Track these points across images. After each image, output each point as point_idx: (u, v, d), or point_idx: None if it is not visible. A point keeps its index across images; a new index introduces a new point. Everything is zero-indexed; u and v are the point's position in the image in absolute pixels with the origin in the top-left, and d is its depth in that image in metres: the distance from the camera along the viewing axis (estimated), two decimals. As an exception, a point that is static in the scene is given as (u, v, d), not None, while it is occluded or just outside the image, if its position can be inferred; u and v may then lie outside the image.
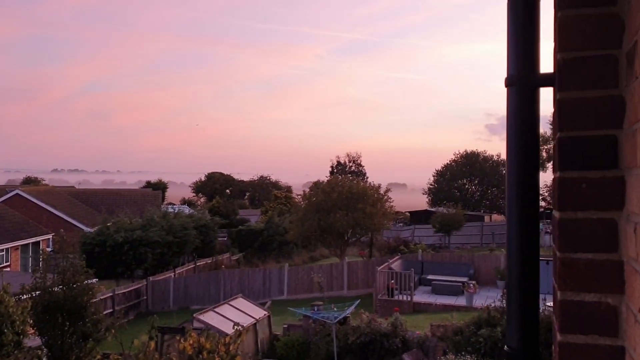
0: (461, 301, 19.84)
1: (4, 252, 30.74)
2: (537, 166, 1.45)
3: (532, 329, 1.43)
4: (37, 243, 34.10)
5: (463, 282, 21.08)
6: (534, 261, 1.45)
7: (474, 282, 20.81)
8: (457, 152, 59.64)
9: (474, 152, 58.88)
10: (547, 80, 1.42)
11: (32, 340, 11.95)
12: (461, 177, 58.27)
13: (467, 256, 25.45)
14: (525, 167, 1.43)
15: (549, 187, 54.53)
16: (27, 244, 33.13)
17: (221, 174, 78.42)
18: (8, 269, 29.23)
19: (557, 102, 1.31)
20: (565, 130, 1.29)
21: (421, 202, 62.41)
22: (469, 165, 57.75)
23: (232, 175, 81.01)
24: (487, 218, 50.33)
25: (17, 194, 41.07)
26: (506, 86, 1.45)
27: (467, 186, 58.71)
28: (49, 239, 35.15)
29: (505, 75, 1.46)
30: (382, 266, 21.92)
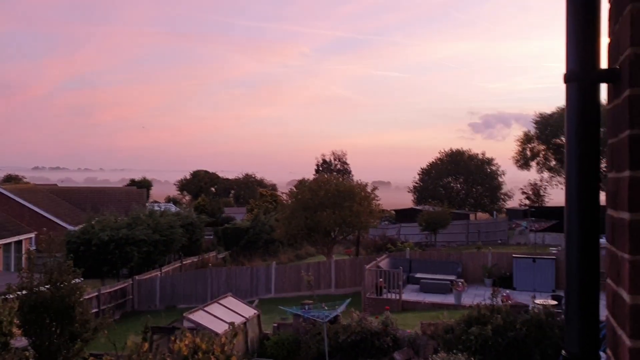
0: (449, 299, 19.91)
1: (-15, 251, 30.21)
2: (598, 162, 1.40)
3: (593, 334, 1.38)
4: (20, 242, 33.58)
5: (451, 280, 21.15)
6: (595, 264, 1.40)
7: (462, 280, 20.88)
8: (442, 151, 59.97)
9: (459, 150, 59.22)
10: (609, 75, 1.37)
11: (19, 341, 11.73)
12: (446, 175, 58.56)
13: (455, 254, 25.56)
14: (587, 163, 1.38)
15: (532, 184, 55.04)
16: (9, 243, 32.59)
17: (206, 172, 78.03)
18: (-10, 268, 28.75)
19: (627, 99, 1.26)
20: (637, 128, 1.24)
21: (406, 200, 62.66)
22: (454, 164, 58.05)
23: (217, 173, 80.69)
24: (472, 216, 50.65)
25: (-2, 191, 40.42)
26: (565, 82, 1.40)
27: (452, 184, 59.02)
28: (31, 237, 34.65)
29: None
30: (370, 264, 21.91)
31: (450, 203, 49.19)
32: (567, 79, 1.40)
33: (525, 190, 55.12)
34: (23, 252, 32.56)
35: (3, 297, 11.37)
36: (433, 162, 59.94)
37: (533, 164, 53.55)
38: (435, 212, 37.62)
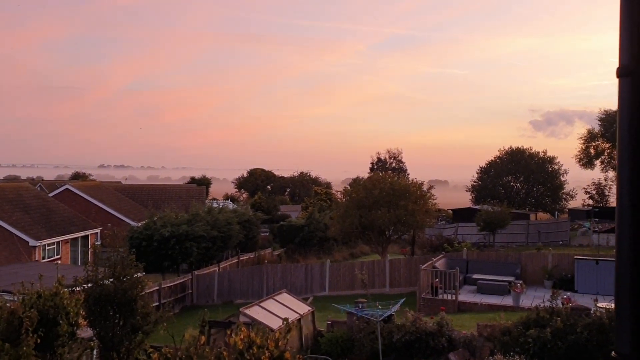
0: (507, 301, 19.46)
1: (54, 245, 31.74)
2: None
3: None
4: (86, 237, 35.11)
5: (509, 282, 20.66)
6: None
7: (520, 281, 20.35)
8: (502, 149, 58.52)
9: (520, 148, 57.63)
10: (664, 70, 1.32)
11: (84, 332, 12.27)
12: (506, 174, 57.13)
13: (514, 255, 24.93)
14: None
15: (596, 184, 52.95)
16: (77, 238, 34.15)
17: (262, 170, 79.24)
18: (59, 262, 30.20)
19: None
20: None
21: (464, 200, 61.61)
22: (514, 162, 56.56)
23: (272, 171, 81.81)
24: (532, 216, 49.24)
25: (66, 189, 42.42)
26: (618, 77, 1.37)
27: (512, 183, 57.53)
28: (97, 232, 36.16)
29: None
30: (425, 264, 21.68)
31: (510, 203, 48.06)
32: (621, 73, 1.36)
33: (588, 190, 53.12)
34: (89, 246, 34.03)
35: (70, 289, 11.91)
36: (492, 160, 58.62)
37: (597, 162, 51.56)
38: (494, 211, 36.77)
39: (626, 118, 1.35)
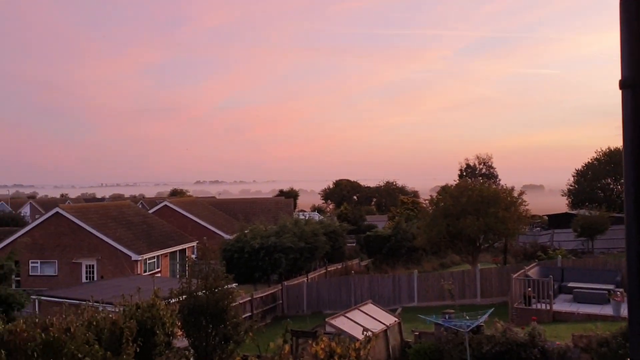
0: (607, 310, 18.40)
1: (155, 259, 33.61)
2: None
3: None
4: (183, 250, 36.90)
5: (609, 290, 19.53)
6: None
7: (621, 289, 19.18)
8: (599, 150, 55.35)
9: (619, 149, 54.25)
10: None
11: (180, 342, 12.94)
12: (605, 177, 53.91)
13: (613, 262, 23.52)
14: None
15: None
16: (175, 251, 35.97)
17: (348, 180, 79.75)
18: (159, 275, 31.95)
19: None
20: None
21: (560, 205, 58.74)
22: (613, 164, 53.27)
23: (358, 181, 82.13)
24: (636, 220, 46.11)
25: (165, 205, 44.85)
26: (621, 88, 1.40)
27: (611, 186, 54.21)
28: (193, 246, 37.90)
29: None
30: (517, 273, 20.96)
31: (610, 206, 45.30)
32: (623, 85, 1.40)
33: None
34: (186, 259, 35.76)
35: (166, 301, 12.62)
36: (589, 162, 55.58)
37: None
38: (592, 216, 34.87)
39: (630, 130, 1.40)
